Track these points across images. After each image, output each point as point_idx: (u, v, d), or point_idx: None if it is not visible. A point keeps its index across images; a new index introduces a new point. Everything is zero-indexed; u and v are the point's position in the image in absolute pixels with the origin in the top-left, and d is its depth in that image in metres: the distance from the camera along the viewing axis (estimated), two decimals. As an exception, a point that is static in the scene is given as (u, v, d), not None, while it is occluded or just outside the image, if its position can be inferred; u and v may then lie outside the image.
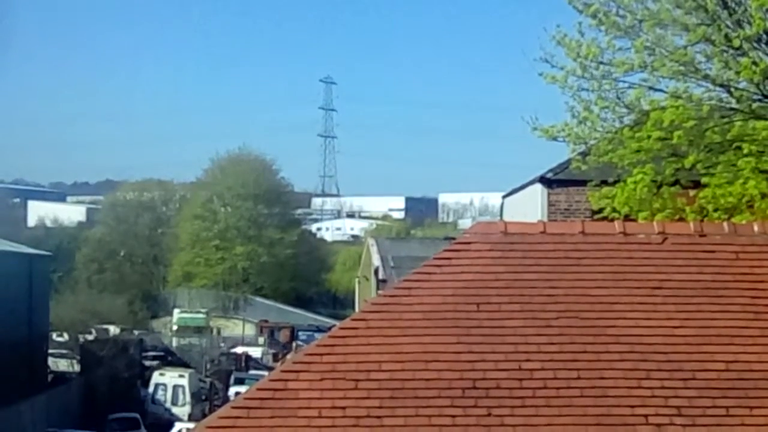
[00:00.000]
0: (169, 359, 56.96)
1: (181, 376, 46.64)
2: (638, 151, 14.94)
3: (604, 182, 15.89)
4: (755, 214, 13.90)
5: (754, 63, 14.22)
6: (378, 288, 45.88)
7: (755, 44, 14.64)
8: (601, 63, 15.16)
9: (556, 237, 9.49)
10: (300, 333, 68.60)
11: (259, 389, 8.56)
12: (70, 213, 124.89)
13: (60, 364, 53.15)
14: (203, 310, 72.22)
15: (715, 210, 14.44)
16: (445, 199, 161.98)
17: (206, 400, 46.67)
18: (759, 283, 9.06)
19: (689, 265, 9.21)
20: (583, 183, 18.09)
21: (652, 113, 14.69)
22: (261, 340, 69.71)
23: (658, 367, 8.37)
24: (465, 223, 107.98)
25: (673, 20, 14.80)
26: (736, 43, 14.32)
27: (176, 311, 72.68)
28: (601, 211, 15.70)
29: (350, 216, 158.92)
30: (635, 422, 8.04)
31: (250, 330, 75.10)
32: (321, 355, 8.57)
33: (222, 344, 65.02)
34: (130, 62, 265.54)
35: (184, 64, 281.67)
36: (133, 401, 45.42)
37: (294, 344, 62.09)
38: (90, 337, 57.79)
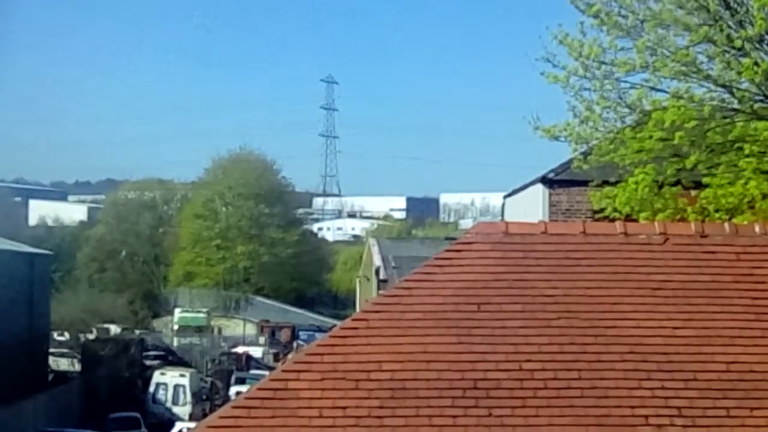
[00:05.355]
0: (170, 359, 56.88)
1: (182, 375, 46.63)
2: (640, 151, 14.96)
3: (606, 182, 15.90)
4: (756, 215, 13.91)
5: (756, 63, 14.23)
6: (379, 288, 45.92)
7: (757, 45, 14.65)
8: (603, 63, 15.17)
9: (557, 237, 9.48)
10: (301, 333, 68.64)
11: (259, 389, 8.56)
12: (72, 212, 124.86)
13: (61, 364, 53.14)
14: (204, 310, 72.11)
15: (717, 210, 14.45)
16: (447, 199, 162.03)
17: (207, 399, 46.63)
18: (760, 284, 9.04)
19: (690, 266, 9.19)
20: (584, 183, 18.08)
21: (653, 113, 14.70)
22: (262, 339, 69.64)
23: (659, 368, 8.36)
24: (466, 224, 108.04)
25: (674, 20, 14.80)
26: (738, 43, 14.32)
27: (177, 311, 72.54)
28: (602, 211, 15.71)
29: (351, 216, 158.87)
30: (635, 423, 8.03)
31: (251, 330, 75.03)
32: (322, 355, 8.57)
33: (223, 344, 64.99)
34: (132, 61, 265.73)
35: (186, 63, 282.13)
36: (133, 400, 45.37)
37: (295, 344, 62.15)
38: (91, 337, 57.77)
